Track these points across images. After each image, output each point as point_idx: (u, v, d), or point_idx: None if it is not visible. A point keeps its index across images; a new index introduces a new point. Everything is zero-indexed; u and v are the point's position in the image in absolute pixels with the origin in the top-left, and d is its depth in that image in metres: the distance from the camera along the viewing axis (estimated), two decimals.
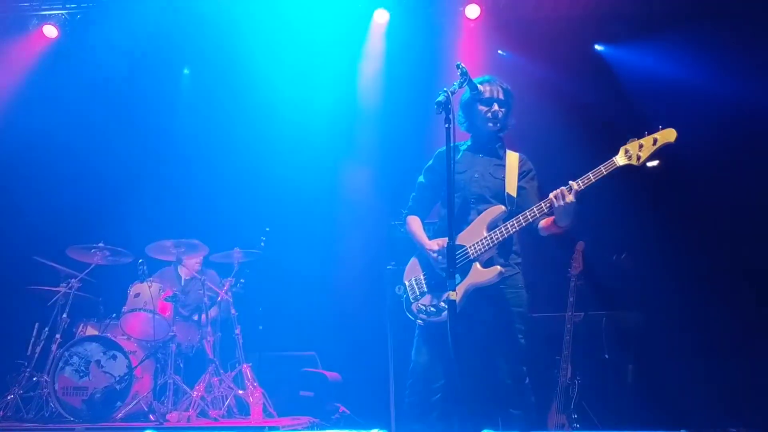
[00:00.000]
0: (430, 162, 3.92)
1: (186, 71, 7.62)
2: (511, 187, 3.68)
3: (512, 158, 3.78)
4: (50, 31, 7.10)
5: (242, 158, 6.99)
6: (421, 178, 3.94)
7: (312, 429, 5.51)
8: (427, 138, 4.05)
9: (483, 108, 3.73)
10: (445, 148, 3.50)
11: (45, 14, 7.11)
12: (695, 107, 5.70)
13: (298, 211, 6.87)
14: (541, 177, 3.80)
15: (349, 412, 6.13)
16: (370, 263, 5.60)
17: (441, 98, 3.27)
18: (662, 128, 3.35)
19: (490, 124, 3.76)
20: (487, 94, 3.71)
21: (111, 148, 7.04)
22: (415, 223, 3.85)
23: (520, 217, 3.52)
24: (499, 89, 3.74)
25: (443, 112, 3.27)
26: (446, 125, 3.29)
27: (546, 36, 6.57)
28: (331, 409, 6.06)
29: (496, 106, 3.74)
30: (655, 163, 3.35)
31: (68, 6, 7.12)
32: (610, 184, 3.44)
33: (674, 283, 5.52)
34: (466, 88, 3.52)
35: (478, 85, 3.64)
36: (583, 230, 5.12)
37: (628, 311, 4.94)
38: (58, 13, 7.13)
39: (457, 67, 3.46)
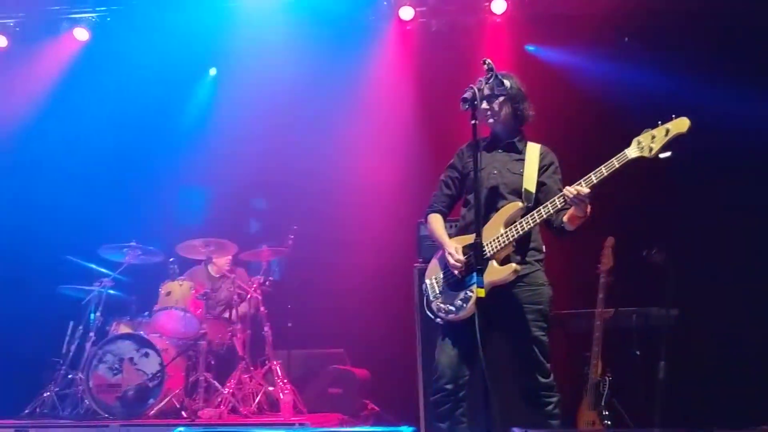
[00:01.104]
0: (452, 160, 3.91)
1: (212, 71, 7.68)
2: (530, 182, 3.63)
3: (533, 151, 3.72)
4: (81, 34, 7.22)
5: (270, 157, 7.03)
6: (443, 176, 3.92)
7: (341, 426, 5.54)
8: (457, 134, 4.03)
9: (486, 104, 3.69)
10: (465, 145, 3.51)
11: (75, 17, 7.24)
12: (727, 96, 5.62)
13: (327, 209, 6.90)
14: (566, 169, 3.75)
15: (378, 409, 6.16)
16: (400, 261, 5.61)
17: (467, 95, 3.28)
18: (675, 117, 3.29)
19: (491, 120, 3.70)
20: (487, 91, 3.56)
21: (142, 149, 7.13)
22: (435, 222, 3.82)
23: (535, 214, 3.49)
24: (500, 83, 3.58)
25: (469, 109, 3.26)
26: (472, 121, 3.28)
27: (573, 29, 6.53)
28: (359, 406, 6.09)
29: (496, 102, 3.68)
30: (667, 154, 3.28)
31: (98, 9, 7.23)
32: (640, 177, 3.39)
33: (707, 278, 5.44)
34: (491, 83, 3.49)
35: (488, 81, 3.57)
36: (613, 225, 5.08)
37: (660, 307, 4.87)
38: (88, 16, 7.25)
39: (484, 62, 3.45)
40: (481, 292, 3.16)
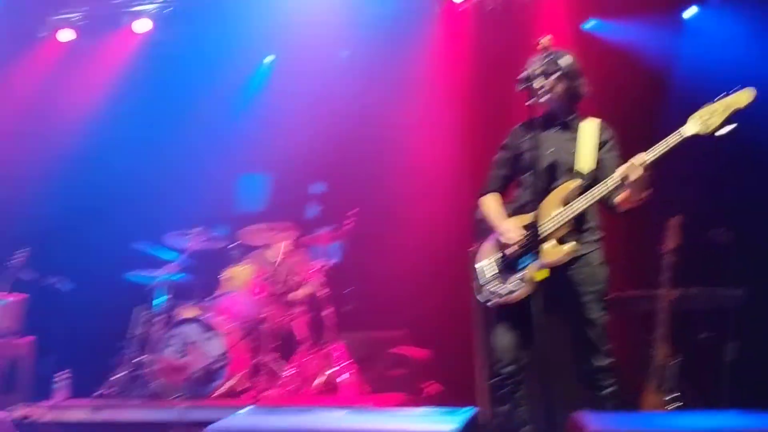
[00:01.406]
0: (506, 139, 3.85)
1: (269, 59, 7.74)
2: (585, 161, 3.55)
3: (589, 128, 3.63)
4: (142, 25, 7.39)
5: (329, 141, 7.07)
6: (496, 157, 3.87)
7: (404, 407, 5.57)
8: (513, 114, 3.97)
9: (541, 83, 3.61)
10: (519, 124, 3.45)
11: (137, 10, 7.42)
12: None
13: (386, 192, 6.91)
14: (627, 151, 3.65)
15: (439, 390, 6.16)
16: (459, 242, 5.57)
17: (523, 74, 3.24)
18: (735, 90, 3.14)
19: (546, 99, 3.59)
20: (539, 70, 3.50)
21: (203, 137, 7.28)
22: (489, 203, 3.78)
23: (593, 192, 3.41)
24: (555, 61, 3.55)
25: (525, 88, 3.21)
26: (527, 102, 3.22)
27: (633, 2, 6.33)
28: (421, 387, 6.10)
29: (551, 80, 3.59)
30: (727, 129, 3.13)
31: (158, 0, 7.39)
32: (704, 153, 3.27)
33: None
34: (547, 61, 3.43)
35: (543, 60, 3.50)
36: (677, 204, 4.92)
37: (727, 288, 4.69)
38: (149, 8, 7.41)
39: (539, 41, 3.38)
40: (542, 274, 3.13)
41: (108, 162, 7.31)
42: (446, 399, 5.98)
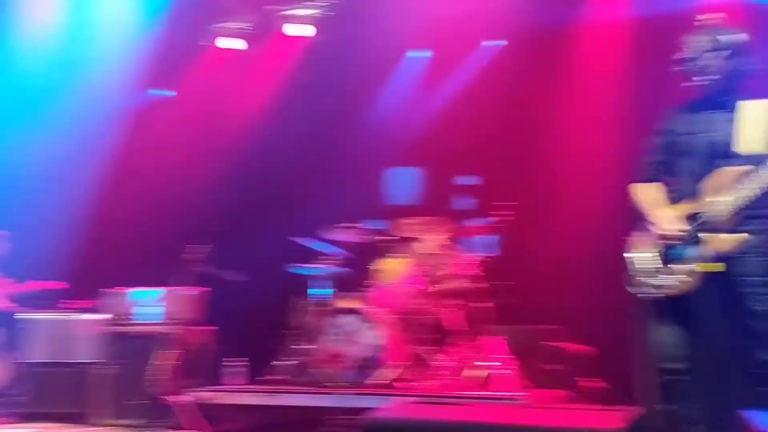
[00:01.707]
0: (661, 123, 3.62)
1: (420, 54, 7.80)
2: (749, 143, 3.26)
3: (753, 109, 3.34)
4: (305, 30, 7.73)
5: (481, 132, 7.03)
6: (650, 143, 3.65)
7: (563, 402, 5.44)
8: (669, 96, 3.75)
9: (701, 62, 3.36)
10: (675, 106, 3.25)
11: (295, 15, 7.76)
12: None
13: (541, 183, 6.77)
14: None
15: (602, 387, 5.95)
16: (618, 234, 5.34)
17: (681, 54, 3.04)
18: None
19: (706, 79, 3.36)
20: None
21: (359, 133, 7.49)
22: (642, 192, 3.59)
23: (760, 177, 3.13)
24: (716, 38, 3.30)
25: (684, 68, 3.02)
26: (685, 82, 3.03)
27: None
28: (582, 384, 5.92)
29: (711, 58, 3.34)
30: None
31: (314, 3, 7.69)
32: None
33: None
34: (707, 39, 3.21)
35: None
36: None
37: None
38: (307, 13, 7.73)
39: (697, 20, 3.17)
40: (711, 266, 2.94)
41: (271, 161, 7.73)
42: (607, 397, 5.78)
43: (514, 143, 6.97)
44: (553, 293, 6.52)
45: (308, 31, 7.73)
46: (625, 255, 3.59)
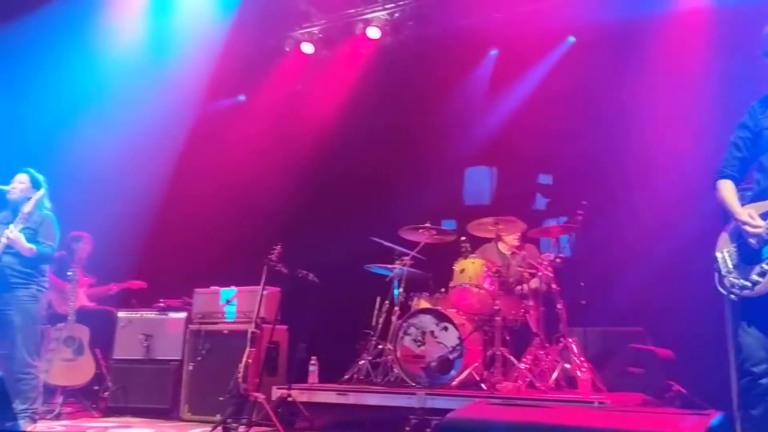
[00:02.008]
0: (743, 118, 3.49)
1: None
2: None
3: None
4: (373, 32, 7.82)
5: (557, 131, 6.96)
6: (732, 137, 3.53)
7: (641, 406, 5.33)
8: (753, 90, 3.62)
9: None
10: (758, 100, 3.13)
11: (369, 17, 7.86)
12: None
13: (617, 181, 6.64)
14: None
15: (684, 391, 5.80)
16: (702, 233, 5.19)
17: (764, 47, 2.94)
18: None
19: None
20: None
21: (432, 133, 7.52)
22: (725, 189, 3.45)
23: None
24: None
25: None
26: None
27: None
28: (663, 387, 5.78)
29: None
30: None
31: (387, 6, 7.76)
32: None
33: None
34: None
35: None
36: None
37: None
38: (379, 14, 7.82)
39: None
40: None
41: (349, 162, 7.85)
42: (690, 401, 5.63)
43: (588, 141, 6.86)
44: (631, 293, 6.38)
45: (383, 33, 7.80)
46: (716, 254, 3.49)
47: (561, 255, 6.15)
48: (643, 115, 6.60)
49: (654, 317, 6.25)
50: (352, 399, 5.60)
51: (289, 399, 5.60)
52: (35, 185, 5.29)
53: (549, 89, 7.03)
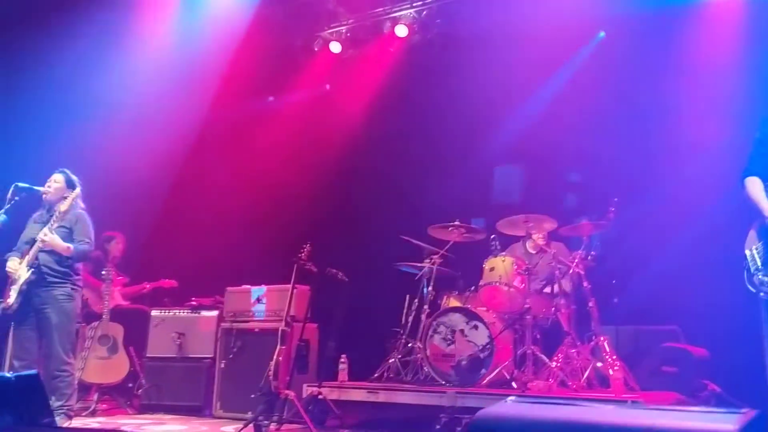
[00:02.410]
0: None
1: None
2: None
3: None
4: (401, 30, 7.82)
5: (585, 127, 6.90)
6: (758, 134, 3.46)
7: (678, 405, 5.25)
8: None
9: None
10: None
11: (397, 16, 7.87)
12: None
13: (648, 178, 6.56)
14: None
15: (719, 390, 5.71)
16: (734, 230, 5.11)
17: None
18: None
19: None
20: None
21: (461, 131, 7.50)
22: (752, 186, 3.41)
23: None
24: None
25: None
26: None
27: None
28: (698, 386, 5.70)
29: None
30: None
31: (414, 4, 7.76)
32: None
33: None
34: None
35: None
36: None
37: None
38: (407, 13, 7.82)
39: None
40: None
41: (379, 161, 7.86)
42: (725, 400, 5.55)
43: (618, 137, 6.78)
44: (664, 291, 6.29)
45: (410, 31, 7.80)
46: (745, 251, 3.44)
47: (592, 253, 6.09)
48: (674, 109, 6.52)
49: (688, 315, 6.15)
50: (382, 397, 5.61)
51: (320, 397, 5.63)
52: (70, 185, 5.38)
53: (578, 86, 6.96)
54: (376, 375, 6.18)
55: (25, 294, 5.01)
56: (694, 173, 6.32)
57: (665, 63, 6.65)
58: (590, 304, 5.85)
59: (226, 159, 8.43)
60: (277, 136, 8.35)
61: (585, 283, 5.92)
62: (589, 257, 6.06)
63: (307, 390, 5.79)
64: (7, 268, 5.10)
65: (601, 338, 5.71)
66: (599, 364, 5.65)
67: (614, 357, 5.58)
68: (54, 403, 4.84)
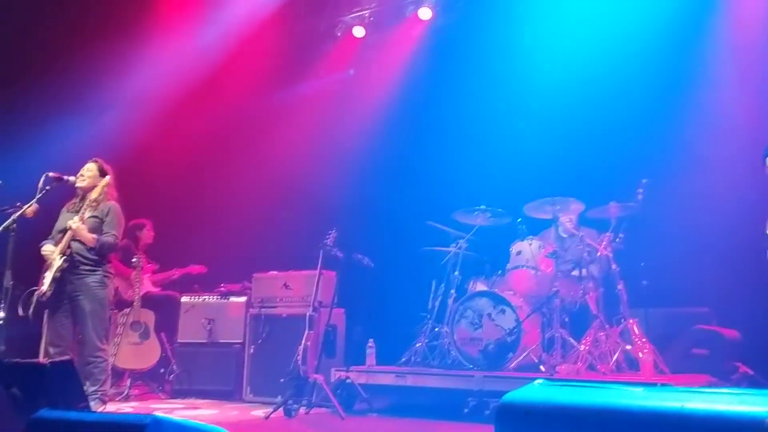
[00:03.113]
0: None
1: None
2: None
3: None
4: (424, 13, 7.77)
5: (613, 107, 6.80)
6: None
7: (709, 387, 5.20)
8: None
9: None
10: None
11: None
12: None
13: (679, 158, 6.46)
14: None
15: (751, 372, 5.64)
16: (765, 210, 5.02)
17: None
18: None
19: None
20: None
21: (487, 115, 7.45)
22: None
23: None
24: None
25: None
26: None
27: None
28: (729, 368, 5.63)
29: None
30: None
31: None
32: None
33: None
34: None
35: None
36: None
37: None
38: None
39: None
40: None
41: (401, 146, 7.84)
42: (757, 382, 5.48)
43: (646, 118, 6.68)
44: (694, 273, 6.21)
45: (434, 14, 7.75)
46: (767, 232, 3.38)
47: (621, 235, 6.03)
48: (703, 86, 6.39)
49: (719, 297, 6.07)
50: (410, 381, 5.64)
51: (348, 381, 5.67)
52: (102, 174, 5.44)
53: (600, 63, 6.85)
54: (403, 359, 6.20)
55: (58, 282, 5.09)
56: (725, 150, 6.21)
57: (696, 38, 6.52)
58: (619, 286, 5.81)
59: (252, 146, 8.47)
60: (303, 122, 8.37)
61: (613, 266, 5.88)
62: (618, 239, 6.01)
63: (335, 374, 5.84)
64: (42, 252, 5.19)
65: (630, 321, 5.66)
66: (628, 347, 5.61)
67: (644, 340, 5.53)
68: (89, 388, 4.93)
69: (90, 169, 5.44)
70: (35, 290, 5.08)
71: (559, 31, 7.29)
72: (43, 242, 5.27)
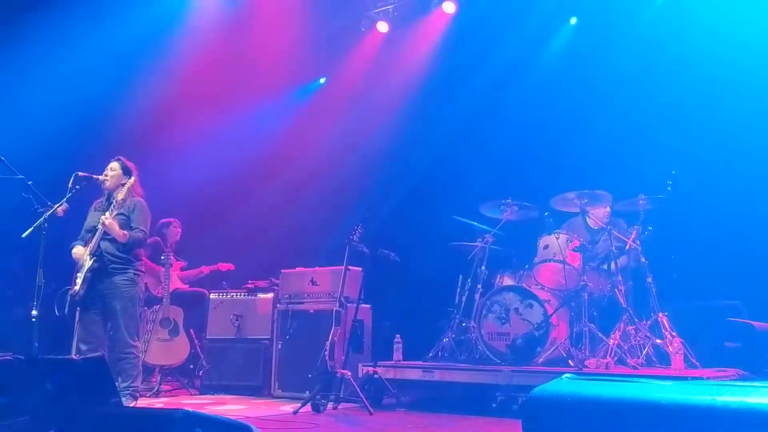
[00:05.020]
0: None
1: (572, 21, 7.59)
2: None
3: None
4: (449, 7, 7.75)
5: (640, 100, 6.73)
6: None
7: (740, 381, 5.12)
8: None
9: None
10: None
11: None
12: None
13: (708, 149, 6.37)
14: None
15: None
16: None
17: None
18: None
19: None
20: None
21: (512, 107, 7.41)
22: None
23: None
24: None
25: None
26: None
27: None
28: (762, 361, 5.54)
29: None
30: None
31: None
32: None
33: None
34: None
35: None
36: None
37: None
38: None
39: None
40: None
41: (426, 141, 7.83)
42: None
43: (675, 108, 6.59)
44: (726, 266, 6.13)
45: (458, 7, 7.73)
46: None
47: (650, 228, 5.96)
48: (730, 79, 6.28)
49: (751, 290, 5.98)
50: (437, 376, 5.63)
51: (376, 376, 5.68)
52: (126, 173, 5.50)
53: (628, 59, 6.78)
54: (430, 354, 6.19)
55: (89, 281, 5.16)
56: (757, 142, 6.11)
57: (728, 28, 6.41)
58: (648, 279, 5.74)
59: (278, 143, 8.51)
60: (329, 118, 8.39)
61: (642, 259, 5.81)
62: (647, 232, 5.93)
63: (363, 369, 5.85)
64: (73, 255, 5.27)
65: (660, 314, 5.60)
66: (658, 341, 5.54)
67: (674, 333, 5.47)
68: (120, 384, 5.00)
69: (113, 168, 5.49)
70: (69, 289, 5.16)
71: (584, 21, 7.23)
72: (73, 243, 5.34)
